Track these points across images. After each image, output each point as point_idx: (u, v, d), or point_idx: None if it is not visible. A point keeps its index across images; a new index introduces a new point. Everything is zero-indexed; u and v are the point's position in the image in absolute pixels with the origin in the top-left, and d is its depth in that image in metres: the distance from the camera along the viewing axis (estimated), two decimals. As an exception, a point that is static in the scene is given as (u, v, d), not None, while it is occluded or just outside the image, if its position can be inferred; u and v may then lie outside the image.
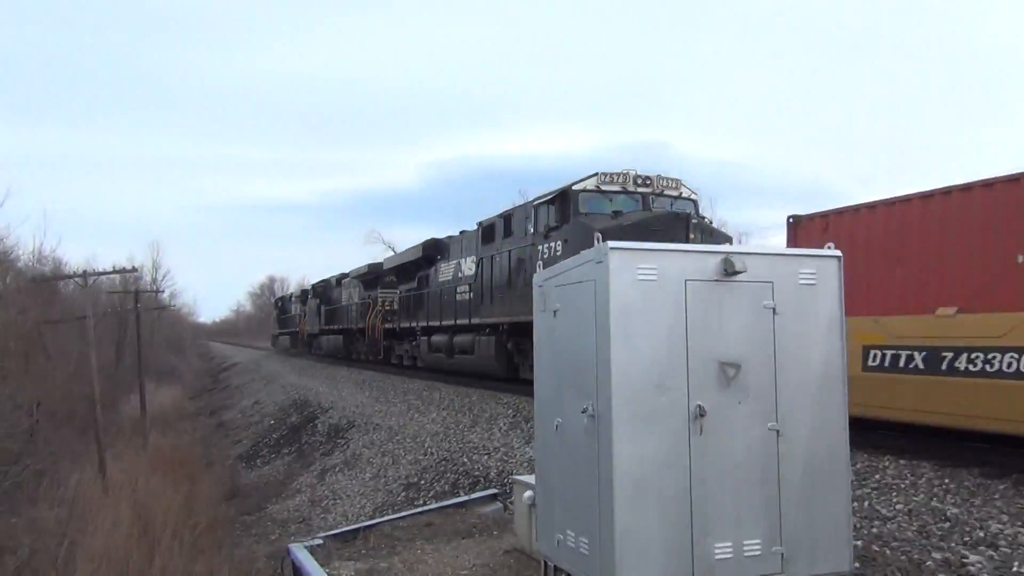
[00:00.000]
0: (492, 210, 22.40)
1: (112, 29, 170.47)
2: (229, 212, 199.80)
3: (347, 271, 40.37)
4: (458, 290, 23.04)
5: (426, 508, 10.66)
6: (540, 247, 18.02)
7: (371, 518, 15.04)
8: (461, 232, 24.42)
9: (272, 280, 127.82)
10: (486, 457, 14.79)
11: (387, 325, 30.69)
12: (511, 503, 11.32)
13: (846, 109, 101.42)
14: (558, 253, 17.03)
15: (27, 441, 16.62)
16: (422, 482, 15.62)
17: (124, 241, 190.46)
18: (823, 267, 5.73)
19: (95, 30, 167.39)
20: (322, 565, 8.13)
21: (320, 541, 9.24)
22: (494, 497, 10.86)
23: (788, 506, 5.50)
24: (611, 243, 5.27)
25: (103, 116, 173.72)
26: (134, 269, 40.32)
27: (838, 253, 5.80)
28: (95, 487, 20.23)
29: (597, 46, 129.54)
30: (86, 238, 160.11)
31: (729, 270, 5.40)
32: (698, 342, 5.37)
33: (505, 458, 14.21)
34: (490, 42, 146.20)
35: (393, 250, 51.55)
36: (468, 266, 22.71)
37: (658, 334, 5.30)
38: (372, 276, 34.13)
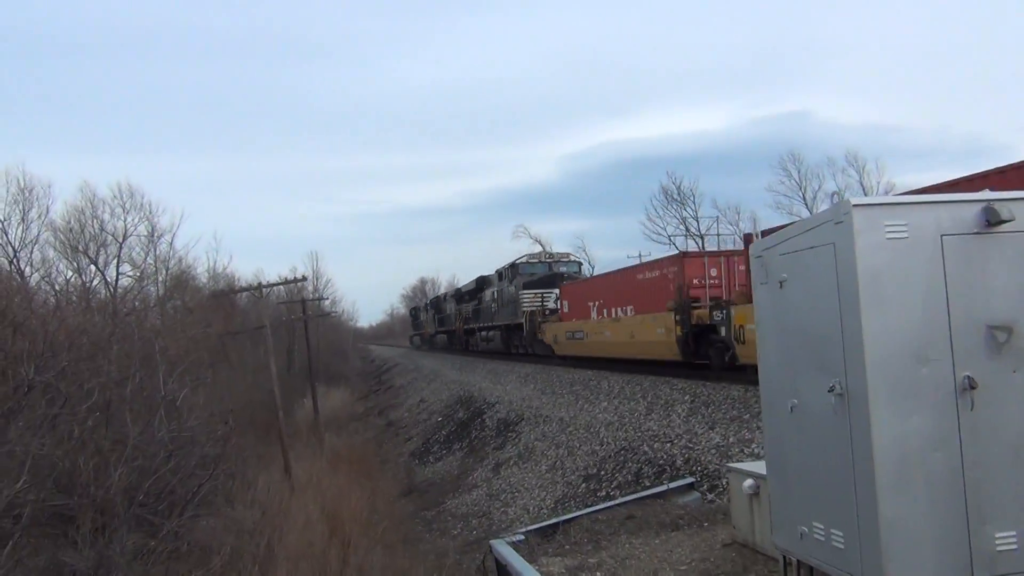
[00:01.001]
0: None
1: (261, 59, 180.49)
2: (380, 219, 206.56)
3: (447, 290, 63.30)
4: (491, 307, 41.41)
5: (624, 499, 10.25)
6: (507, 288, 36.87)
7: (553, 511, 14.85)
8: (495, 271, 40.88)
9: (423, 282, 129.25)
10: (668, 445, 14.26)
11: (465, 327, 49.20)
12: (706, 491, 10.80)
13: (998, 55, 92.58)
14: (511, 292, 36.09)
15: (223, 446, 17.44)
16: (602, 473, 15.27)
17: (286, 254, 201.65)
18: (1104, 210, 4.92)
19: (248, 62, 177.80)
20: (528, 561, 7.89)
21: (521, 536, 9.03)
22: (691, 486, 10.36)
23: (1080, 488, 4.76)
24: (854, 199, 4.69)
25: (258, 139, 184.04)
26: (303, 279, 42.31)
27: (1120, 192, 4.98)
28: (283, 488, 21.15)
29: (725, 19, 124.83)
30: (251, 253, 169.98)
31: (993, 220, 4.71)
32: (960, 305, 4.72)
33: (690, 445, 13.64)
34: (616, 29, 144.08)
35: (540, 244, 68.42)
36: (493, 294, 40.94)
37: (913, 298, 4.69)
38: (459, 296, 52.65)
